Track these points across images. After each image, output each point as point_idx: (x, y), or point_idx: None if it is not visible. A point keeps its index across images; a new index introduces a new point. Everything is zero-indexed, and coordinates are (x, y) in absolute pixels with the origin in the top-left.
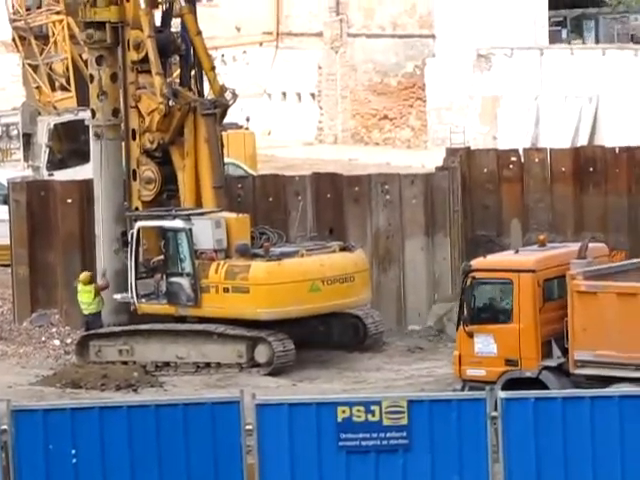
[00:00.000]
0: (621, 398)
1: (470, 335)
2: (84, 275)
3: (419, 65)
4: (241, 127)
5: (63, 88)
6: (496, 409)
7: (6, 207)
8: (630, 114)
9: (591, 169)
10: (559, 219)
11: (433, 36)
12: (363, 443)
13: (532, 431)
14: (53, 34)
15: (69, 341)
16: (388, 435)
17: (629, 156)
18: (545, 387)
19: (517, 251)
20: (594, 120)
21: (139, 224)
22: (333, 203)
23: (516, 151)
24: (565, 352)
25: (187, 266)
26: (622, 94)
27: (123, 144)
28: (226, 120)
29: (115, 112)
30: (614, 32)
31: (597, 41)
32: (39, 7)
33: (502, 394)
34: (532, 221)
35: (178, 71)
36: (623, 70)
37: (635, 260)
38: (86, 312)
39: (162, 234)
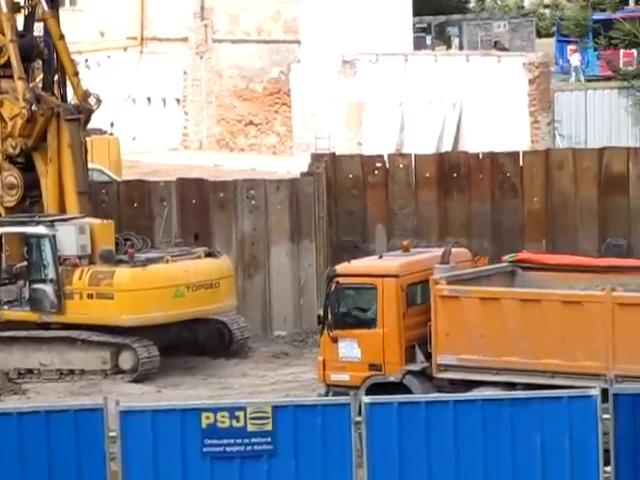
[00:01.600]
0: (484, 402)
1: (334, 340)
2: None
3: (284, 71)
4: (105, 132)
5: None
6: (360, 414)
7: None
8: (493, 120)
9: (455, 175)
10: (423, 224)
11: (298, 42)
12: (227, 449)
13: (396, 436)
14: None
15: None
16: (253, 441)
17: (492, 162)
18: (409, 391)
19: (381, 256)
20: (458, 126)
21: (1, 230)
22: (198, 209)
23: (381, 157)
24: (429, 357)
25: (50, 272)
26: (485, 100)
27: None
28: (90, 125)
29: None
30: (478, 39)
31: (461, 47)
32: None
33: (366, 399)
34: (397, 226)
35: (41, 76)
36: (486, 76)
37: (498, 265)
38: None
39: (25, 240)
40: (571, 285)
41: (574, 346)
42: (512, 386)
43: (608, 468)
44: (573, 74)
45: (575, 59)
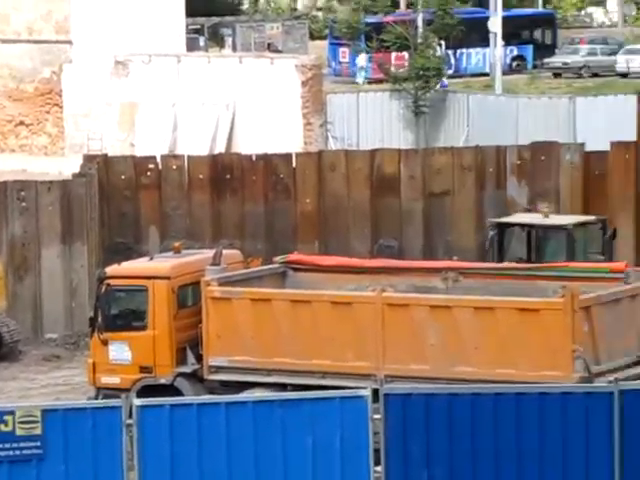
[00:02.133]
0: (255, 403)
1: (104, 343)
2: None
3: (56, 71)
4: None
5: None
6: (131, 417)
7: None
8: (267, 122)
9: (228, 176)
10: (197, 226)
11: (70, 42)
12: None
13: (167, 438)
14: None
15: None
16: (21, 445)
17: (265, 163)
18: (180, 394)
19: (152, 258)
20: (231, 127)
21: None
22: None
23: (154, 158)
24: (200, 358)
25: None
26: (259, 102)
27: None
28: None
29: None
30: (251, 40)
31: (234, 49)
32: None
33: (137, 401)
34: (170, 228)
35: None
36: (260, 78)
37: (269, 266)
38: None
39: None
40: (341, 286)
41: (345, 347)
42: (284, 387)
43: (379, 468)
44: (361, 74)
45: (362, 60)
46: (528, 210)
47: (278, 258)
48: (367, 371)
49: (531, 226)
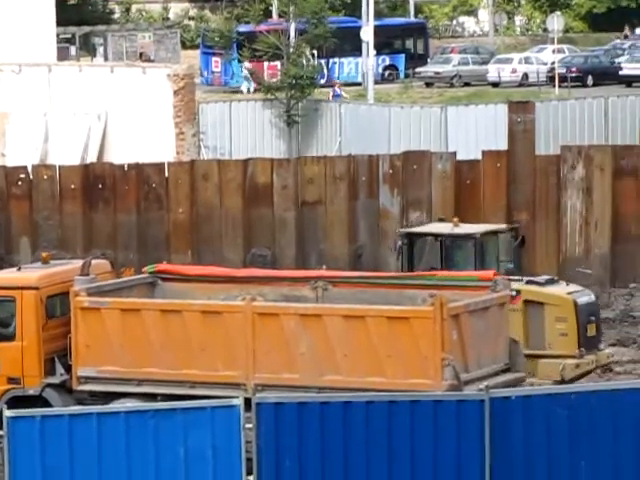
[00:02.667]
0: (127, 414)
1: None
2: None
3: None
4: None
5: None
6: (1, 428)
7: None
8: (139, 131)
9: (100, 186)
10: (69, 236)
11: None
12: None
13: (39, 449)
14: None
15: None
16: None
17: (138, 173)
18: (49, 405)
19: (20, 268)
20: (103, 137)
21: None
22: None
23: (25, 168)
24: (69, 369)
25: None
26: (131, 112)
27: None
28: None
29: None
30: (123, 49)
31: (106, 58)
32: None
33: (8, 413)
34: (42, 238)
35: None
36: (132, 87)
37: (138, 276)
38: None
39: None
40: (211, 295)
41: (215, 356)
42: (154, 397)
43: (251, 477)
44: (245, 83)
45: (246, 69)
46: (441, 220)
47: (147, 268)
48: (237, 380)
49: (439, 235)
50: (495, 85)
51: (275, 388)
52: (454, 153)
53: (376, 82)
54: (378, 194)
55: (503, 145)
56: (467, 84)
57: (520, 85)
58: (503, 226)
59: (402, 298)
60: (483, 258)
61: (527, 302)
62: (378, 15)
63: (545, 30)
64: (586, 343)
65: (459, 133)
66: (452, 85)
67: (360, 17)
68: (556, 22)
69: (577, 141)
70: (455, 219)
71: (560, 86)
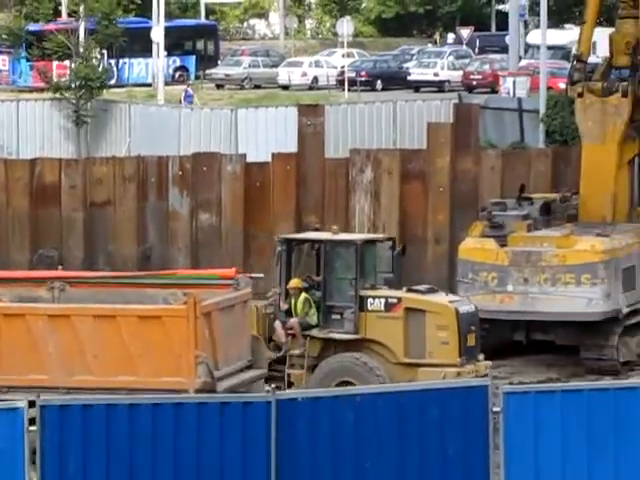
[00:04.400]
0: None
1: None
2: None
3: None
4: None
5: None
6: None
7: None
8: None
9: None
10: None
11: None
12: None
13: None
14: None
15: None
16: None
17: None
18: None
19: None
20: None
21: None
22: None
23: None
24: None
25: None
26: None
27: None
28: None
29: None
30: None
31: None
32: None
33: None
34: None
35: None
36: None
37: None
38: None
39: None
40: None
41: None
42: None
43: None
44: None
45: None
46: (316, 229)
47: None
48: None
49: (320, 242)
50: (285, 88)
51: (22, 389)
52: (244, 155)
53: (167, 83)
54: (167, 195)
55: (293, 148)
56: (258, 86)
57: (310, 88)
58: (381, 236)
59: (142, 297)
60: (363, 265)
61: (408, 310)
62: (169, 16)
63: (335, 34)
64: (466, 352)
65: (249, 135)
66: (242, 87)
67: (151, 18)
68: (346, 26)
69: (366, 145)
70: (334, 227)
71: (350, 90)
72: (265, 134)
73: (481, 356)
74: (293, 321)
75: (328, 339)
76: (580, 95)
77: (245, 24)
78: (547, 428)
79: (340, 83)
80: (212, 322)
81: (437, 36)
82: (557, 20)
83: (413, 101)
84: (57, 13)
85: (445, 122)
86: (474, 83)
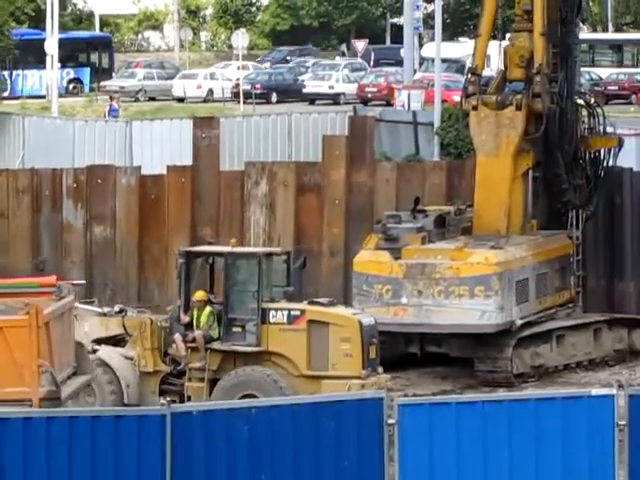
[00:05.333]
0: None
1: None
2: None
3: None
4: None
5: None
6: None
7: None
8: None
9: None
10: None
11: None
12: None
13: None
14: None
15: None
16: None
17: None
18: None
19: None
20: None
21: None
22: None
23: None
24: None
25: None
26: None
27: None
28: None
29: None
30: None
31: None
32: None
33: None
34: None
35: None
36: None
37: None
38: None
39: None
40: None
41: None
42: None
43: None
44: None
45: None
46: (210, 243)
47: None
48: None
49: (222, 254)
50: (180, 100)
51: None
52: (139, 167)
53: (61, 95)
54: (62, 208)
55: (188, 160)
56: (152, 99)
57: (205, 101)
58: (278, 249)
59: None
60: (264, 277)
61: (311, 322)
62: (63, 28)
63: (230, 47)
64: (368, 365)
65: (144, 148)
66: (137, 99)
67: (44, 29)
68: (241, 39)
69: (261, 157)
70: (233, 240)
71: (245, 102)
72: (160, 146)
73: (380, 369)
74: (197, 334)
75: (229, 352)
76: (475, 108)
77: (140, 36)
78: (442, 440)
79: (235, 95)
80: (49, 330)
81: (344, 48)
82: (451, 33)
83: (308, 114)
84: None
85: (340, 135)
86: (369, 96)
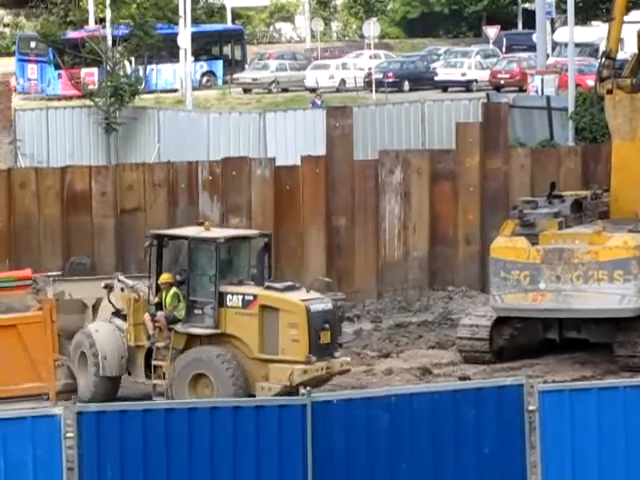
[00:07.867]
0: None
1: None
2: None
3: None
4: None
5: None
6: None
7: None
8: None
9: None
10: None
11: None
12: None
13: None
14: None
15: None
16: None
17: None
18: None
19: None
20: None
21: None
22: None
23: None
24: None
25: None
26: None
27: None
28: None
29: None
30: None
31: None
32: None
33: None
34: None
35: None
36: None
37: None
38: None
39: None
40: None
41: None
42: None
43: None
44: None
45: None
46: (199, 223)
47: None
48: None
49: (184, 238)
50: (313, 91)
51: None
52: (273, 159)
53: (194, 89)
54: (198, 200)
55: (322, 150)
56: (285, 90)
57: (337, 91)
58: (254, 232)
59: None
60: (230, 263)
61: (263, 307)
62: (195, 21)
63: (362, 36)
64: (318, 350)
65: (278, 139)
66: (270, 91)
67: (176, 23)
68: (372, 28)
69: (395, 146)
70: (207, 223)
71: (377, 91)
72: (294, 137)
73: (338, 353)
74: (160, 314)
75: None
76: (609, 92)
77: (271, 28)
78: (583, 426)
79: (367, 85)
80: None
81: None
82: (584, 17)
83: (441, 101)
84: (85, 20)
85: (474, 122)
86: (502, 82)
